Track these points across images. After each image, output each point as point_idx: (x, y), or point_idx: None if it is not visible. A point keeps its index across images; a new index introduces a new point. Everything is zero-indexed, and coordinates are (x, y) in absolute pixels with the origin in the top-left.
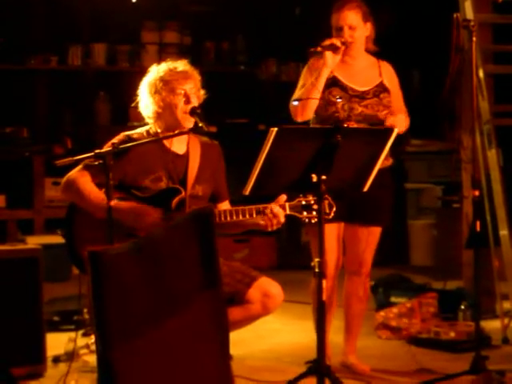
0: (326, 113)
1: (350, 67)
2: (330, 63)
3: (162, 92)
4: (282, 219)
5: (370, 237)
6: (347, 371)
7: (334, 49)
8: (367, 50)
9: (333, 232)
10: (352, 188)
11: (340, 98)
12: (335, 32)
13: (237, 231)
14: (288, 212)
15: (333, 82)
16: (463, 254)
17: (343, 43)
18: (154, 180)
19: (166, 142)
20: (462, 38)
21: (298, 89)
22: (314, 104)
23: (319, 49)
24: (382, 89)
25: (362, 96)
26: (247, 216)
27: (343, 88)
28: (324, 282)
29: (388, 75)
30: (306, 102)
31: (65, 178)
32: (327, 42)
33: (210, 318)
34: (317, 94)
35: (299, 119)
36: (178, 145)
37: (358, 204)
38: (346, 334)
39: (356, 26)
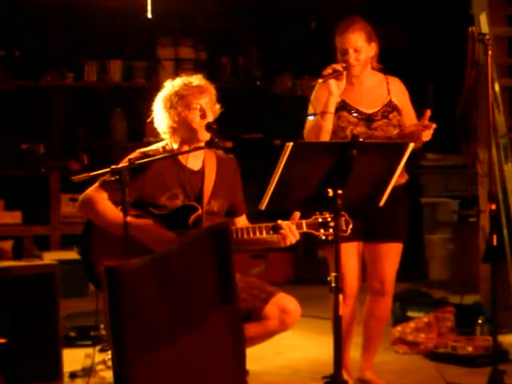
0: (336, 138)
1: (358, 89)
2: (334, 91)
3: (178, 107)
4: (297, 236)
5: (391, 253)
6: None
7: (336, 76)
8: (373, 68)
9: (352, 250)
10: (368, 203)
11: (355, 112)
12: (340, 55)
13: (251, 248)
14: (305, 230)
15: (341, 106)
16: (480, 268)
17: (345, 68)
18: (170, 197)
19: (181, 159)
20: (478, 52)
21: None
22: (325, 133)
23: (320, 80)
24: (390, 108)
25: (370, 119)
26: (264, 233)
27: (351, 112)
28: (341, 297)
29: (396, 91)
30: (319, 134)
31: (81, 196)
32: (328, 70)
33: (226, 334)
34: (329, 125)
35: None
36: (194, 160)
37: (375, 222)
38: (363, 350)
39: (361, 48)
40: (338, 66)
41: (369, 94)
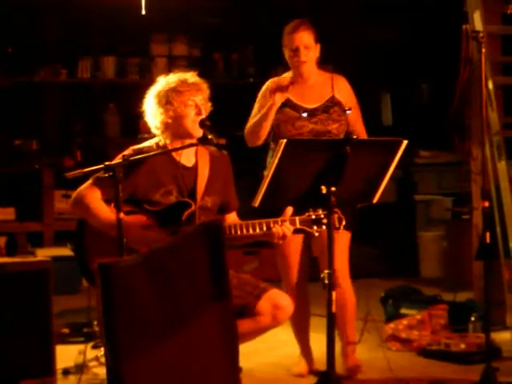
0: (279, 132)
1: (302, 87)
2: (278, 103)
3: (174, 103)
4: (289, 234)
5: (340, 243)
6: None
7: (282, 89)
8: (319, 68)
9: (298, 242)
10: (361, 199)
11: (305, 111)
12: (290, 52)
13: (244, 243)
14: (298, 226)
15: (284, 104)
16: (473, 266)
17: (291, 83)
18: (164, 194)
19: (174, 155)
20: (471, 50)
21: (252, 114)
22: (263, 134)
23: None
24: (332, 103)
25: (311, 113)
26: (257, 230)
27: (293, 108)
28: (334, 294)
29: (340, 88)
30: (256, 131)
31: (74, 194)
32: (274, 86)
33: (219, 330)
34: (266, 127)
35: (250, 145)
36: (187, 157)
37: None
38: (341, 340)
39: (310, 46)
40: (285, 81)
41: (312, 90)
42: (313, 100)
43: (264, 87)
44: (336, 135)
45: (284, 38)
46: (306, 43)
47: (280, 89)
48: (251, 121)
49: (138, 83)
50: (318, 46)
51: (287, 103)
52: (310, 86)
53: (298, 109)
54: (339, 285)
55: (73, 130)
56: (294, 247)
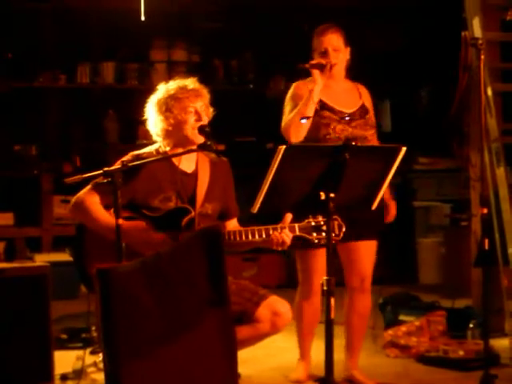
0: (317, 135)
1: (333, 90)
2: (319, 81)
3: (174, 110)
4: (288, 241)
5: (369, 251)
6: None
7: (320, 67)
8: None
9: (323, 254)
10: (360, 206)
11: (335, 111)
12: (319, 56)
13: (243, 249)
14: (298, 233)
15: (321, 106)
16: (472, 272)
17: (328, 62)
18: (163, 200)
19: (174, 161)
20: (471, 56)
21: (285, 114)
22: (307, 124)
23: (307, 65)
24: (364, 110)
25: (350, 117)
26: (257, 237)
27: (331, 110)
28: (332, 301)
29: (366, 97)
30: (299, 122)
31: (74, 199)
32: (314, 61)
33: (218, 336)
34: (311, 111)
35: (293, 140)
36: (187, 163)
37: (349, 223)
38: (348, 350)
39: (340, 48)
40: (324, 61)
41: (344, 96)
42: (348, 105)
43: (292, 89)
44: (370, 141)
45: (313, 42)
46: (335, 45)
47: (319, 67)
48: (288, 116)
49: (138, 89)
50: (348, 49)
51: (324, 106)
52: (341, 92)
53: (336, 112)
54: (367, 290)
55: (72, 135)
56: (323, 251)
